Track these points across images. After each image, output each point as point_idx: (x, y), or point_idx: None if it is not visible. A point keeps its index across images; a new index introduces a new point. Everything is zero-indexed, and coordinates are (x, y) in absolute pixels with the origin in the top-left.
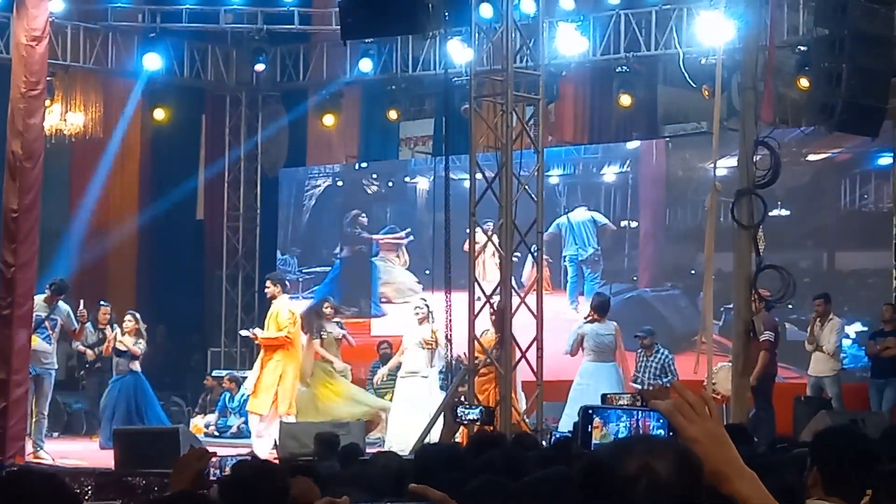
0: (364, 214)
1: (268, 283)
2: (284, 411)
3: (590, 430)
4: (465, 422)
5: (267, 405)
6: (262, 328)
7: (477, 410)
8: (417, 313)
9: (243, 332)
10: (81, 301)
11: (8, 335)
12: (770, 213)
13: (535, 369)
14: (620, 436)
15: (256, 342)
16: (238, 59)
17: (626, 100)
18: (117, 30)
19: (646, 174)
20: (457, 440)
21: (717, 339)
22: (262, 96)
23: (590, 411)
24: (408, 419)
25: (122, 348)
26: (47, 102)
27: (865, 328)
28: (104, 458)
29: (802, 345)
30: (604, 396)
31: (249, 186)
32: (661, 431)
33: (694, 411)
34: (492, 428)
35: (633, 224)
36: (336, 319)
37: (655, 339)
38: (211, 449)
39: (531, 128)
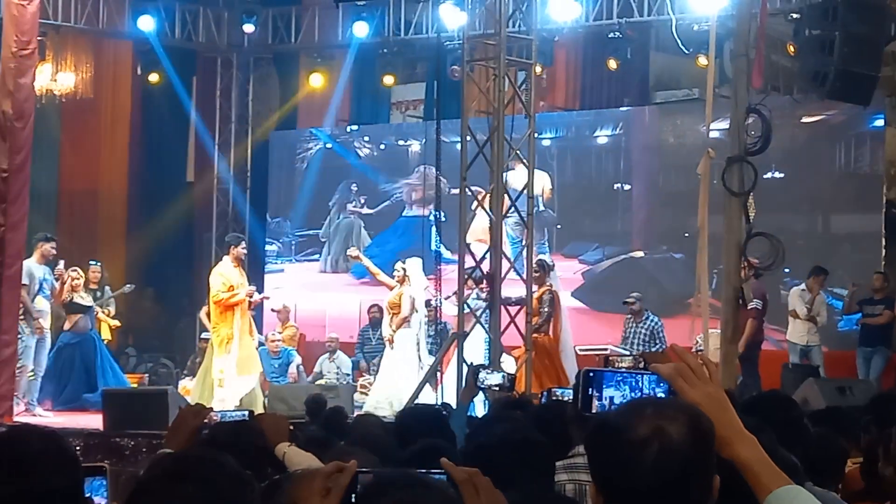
0: (355, 184)
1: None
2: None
3: (590, 392)
4: (486, 387)
5: None
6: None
7: (499, 375)
8: (394, 276)
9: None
10: (62, 262)
11: None
12: (764, 176)
13: (524, 334)
14: (623, 400)
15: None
16: (229, 20)
17: (617, 66)
18: None
19: (638, 138)
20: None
21: (711, 301)
22: (254, 59)
23: (591, 374)
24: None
25: (86, 303)
26: (38, 62)
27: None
28: (91, 421)
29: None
30: (606, 359)
31: (239, 149)
32: (662, 395)
33: (695, 375)
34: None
35: (626, 187)
36: None
37: (644, 305)
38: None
39: (523, 92)
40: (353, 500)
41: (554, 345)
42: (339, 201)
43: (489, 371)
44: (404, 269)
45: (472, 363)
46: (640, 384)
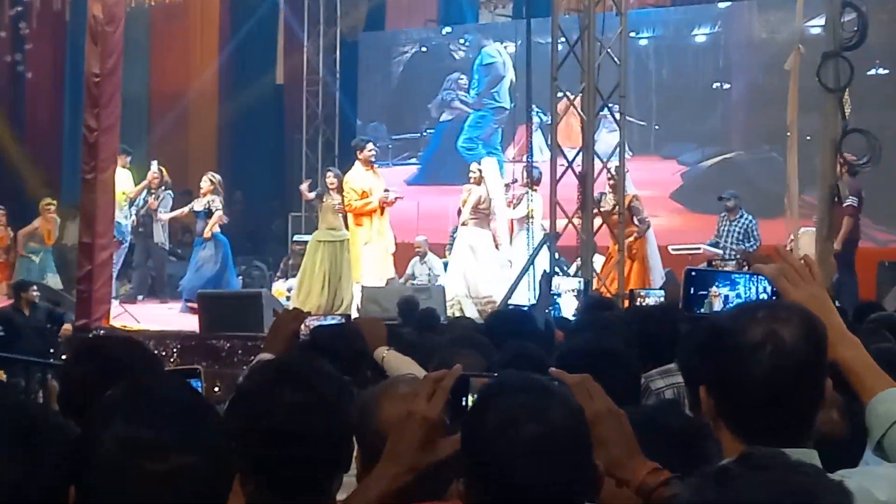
0: (464, 76)
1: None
2: None
3: (692, 292)
4: (560, 293)
5: None
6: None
7: (575, 280)
8: (469, 177)
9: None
10: (154, 162)
11: (92, 199)
12: (867, 73)
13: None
14: (735, 300)
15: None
16: None
17: None
18: None
19: (737, 35)
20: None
21: (811, 200)
22: None
23: (693, 274)
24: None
25: (199, 209)
26: None
27: None
28: (188, 323)
29: None
30: (709, 262)
31: (328, 51)
32: (765, 296)
33: (798, 275)
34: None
35: (726, 86)
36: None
37: (740, 203)
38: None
39: None
40: (464, 403)
41: (640, 248)
42: (442, 99)
43: (563, 276)
44: (480, 171)
45: (544, 270)
46: (753, 284)
